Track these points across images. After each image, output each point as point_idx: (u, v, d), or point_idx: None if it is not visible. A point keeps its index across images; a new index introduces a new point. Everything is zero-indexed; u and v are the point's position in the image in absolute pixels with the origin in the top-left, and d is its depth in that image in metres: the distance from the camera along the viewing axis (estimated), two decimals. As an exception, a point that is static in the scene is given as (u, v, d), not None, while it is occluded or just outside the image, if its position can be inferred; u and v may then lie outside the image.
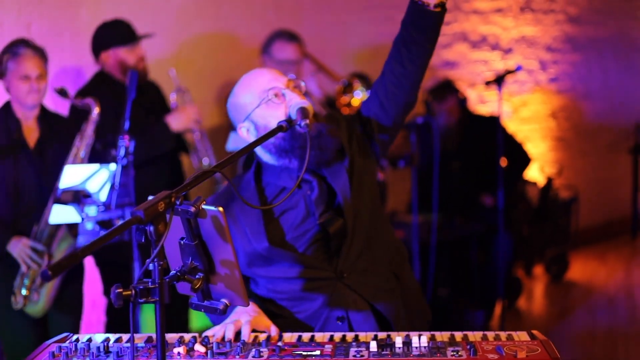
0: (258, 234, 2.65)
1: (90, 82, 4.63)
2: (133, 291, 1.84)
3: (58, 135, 4.08)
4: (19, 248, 3.86)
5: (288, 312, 2.70)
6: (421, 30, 2.60)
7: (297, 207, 2.68)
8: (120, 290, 1.83)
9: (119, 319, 4.53)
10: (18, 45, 3.98)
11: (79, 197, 3.46)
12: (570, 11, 8.59)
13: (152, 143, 4.40)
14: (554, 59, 8.46)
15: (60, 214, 3.52)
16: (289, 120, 2.47)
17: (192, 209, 1.97)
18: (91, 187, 3.48)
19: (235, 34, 5.82)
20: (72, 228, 3.88)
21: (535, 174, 7.92)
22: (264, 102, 2.62)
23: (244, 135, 2.70)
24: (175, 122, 4.55)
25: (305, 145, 2.49)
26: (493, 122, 5.79)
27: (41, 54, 4.02)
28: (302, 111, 2.49)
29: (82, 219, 3.47)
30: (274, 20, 5.80)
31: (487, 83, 5.45)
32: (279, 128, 2.44)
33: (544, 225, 7.29)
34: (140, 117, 4.42)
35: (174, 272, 2.03)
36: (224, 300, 2.15)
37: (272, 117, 2.61)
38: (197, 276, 2.05)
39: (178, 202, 1.92)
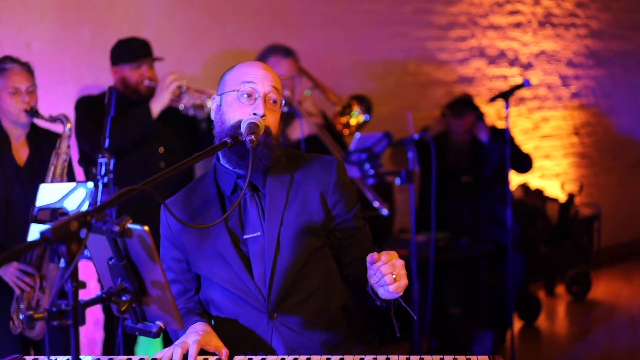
0: (220, 227, 2.60)
1: (100, 95, 4.64)
2: (46, 313, 1.78)
3: (48, 153, 4.05)
4: (10, 272, 3.84)
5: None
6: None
7: (235, 219, 2.63)
8: (32, 312, 1.77)
9: (115, 334, 4.47)
10: (4, 61, 3.98)
11: (56, 216, 3.41)
12: (592, 25, 8.44)
13: (132, 124, 4.39)
14: (575, 74, 8.31)
15: (38, 233, 3.47)
16: (234, 137, 2.40)
17: (117, 228, 1.90)
18: (69, 205, 3.43)
19: (242, 51, 5.78)
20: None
21: (555, 191, 7.77)
22: (234, 92, 2.58)
23: (212, 106, 2.67)
24: (156, 102, 4.51)
25: (244, 156, 2.47)
26: (502, 138, 5.68)
27: (28, 68, 4.01)
28: (250, 126, 2.43)
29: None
30: (281, 37, 5.75)
31: (493, 98, 5.34)
32: (223, 144, 2.37)
33: (565, 244, 7.13)
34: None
35: (100, 293, 1.96)
36: (158, 323, 2.07)
37: (233, 109, 2.58)
38: (124, 298, 1.98)
39: (95, 221, 1.85)
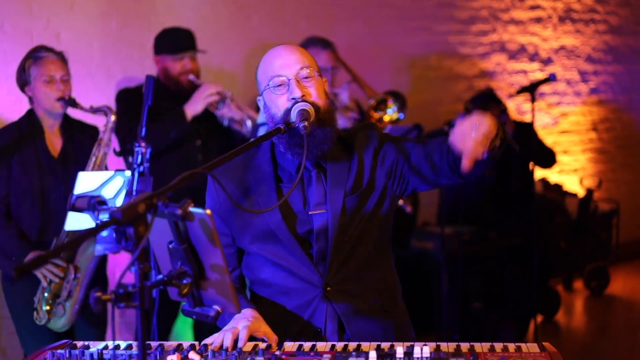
0: (273, 203, 2.60)
1: (139, 87, 4.66)
2: (113, 295, 1.79)
3: (81, 143, 4.07)
4: None
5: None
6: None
7: (297, 196, 2.64)
8: (99, 294, 1.78)
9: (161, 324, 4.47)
10: (39, 50, 3.99)
11: (94, 204, 3.41)
12: (611, 21, 8.43)
13: (164, 129, 4.40)
14: (594, 69, 8.31)
15: (76, 221, 3.48)
16: (287, 123, 2.42)
17: (179, 212, 1.91)
18: (106, 194, 3.44)
19: (267, 43, 5.78)
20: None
21: (574, 186, 7.77)
22: (269, 88, 2.59)
23: (260, 106, 2.69)
24: (190, 107, 4.52)
25: (302, 144, 2.46)
26: (527, 130, 5.67)
27: (62, 57, 4.02)
28: (302, 113, 2.44)
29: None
30: (305, 30, 5.77)
31: (519, 91, 5.34)
32: (277, 130, 2.39)
33: (584, 239, 7.14)
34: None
35: (161, 276, 1.98)
36: (216, 307, 2.09)
37: (274, 103, 2.59)
38: (185, 281, 1.99)
39: (162, 204, 1.87)
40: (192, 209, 1.94)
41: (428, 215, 6.36)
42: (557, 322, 6.60)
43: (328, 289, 2.60)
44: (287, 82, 2.57)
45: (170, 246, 2.03)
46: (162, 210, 1.92)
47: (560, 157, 7.74)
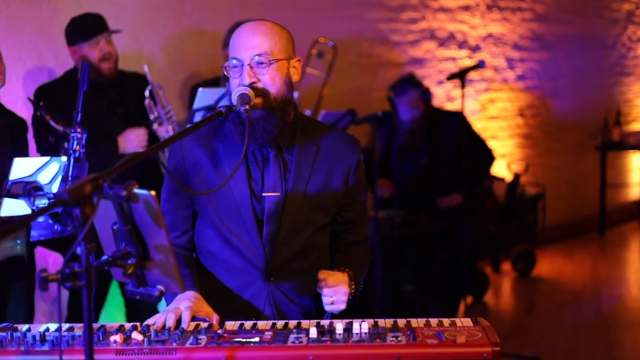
0: (242, 180, 2.65)
1: (61, 77, 4.62)
2: (59, 275, 1.82)
3: (11, 132, 4.02)
4: None
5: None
6: None
7: (257, 177, 2.69)
8: (46, 274, 1.81)
9: (80, 311, 4.48)
10: None
11: (29, 190, 3.41)
12: (537, 9, 8.63)
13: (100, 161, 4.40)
14: (521, 56, 8.50)
15: (11, 208, 3.46)
16: (229, 107, 2.46)
17: (124, 193, 1.94)
18: (42, 180, 3.44)
19: (199, 29, 5.80)
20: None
21: (502, 171, 7.95)
22: (227, 67, 2.63)
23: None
24: (124, 144, 4.52)
25: (239, 128, 2.54)
26: (458, 118, 5.79)
27: None
28: (242, 97, 2.48)
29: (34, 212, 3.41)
30: (238, 16, 5.78)
31: (449, 77, 5.45)
32: (219, 113, 2.42)
33: (511, 222, 7.32)
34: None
35: (106, 257, 2.01)
36: (160, 287, 2.12)
37: (231, 83, 2.64)
38: (129, 262, 2.03)
39: (107, 186, 1.90)
40: (136, 190, 1.97)
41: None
42: (485, 302, 6.77)
43: (272, 277, 2.67)
44: (240, 67, 2.59)
45: (115, 227, 2.06)
46: (106, 192, 1.94)
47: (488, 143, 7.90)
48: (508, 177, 7.64)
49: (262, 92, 2.57)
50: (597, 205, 9.22)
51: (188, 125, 2.81)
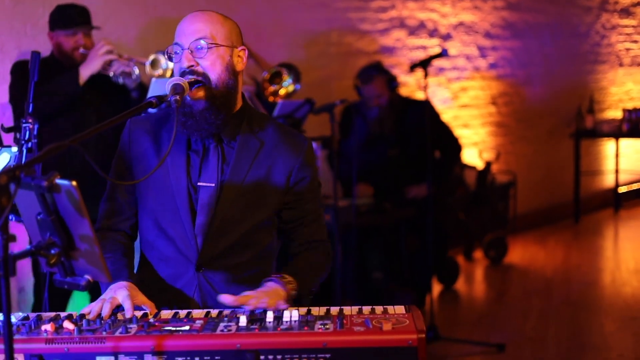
0: (180, 169, 2.67)
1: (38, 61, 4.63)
2: (-23, 265, 1.83)
3: None
4: None
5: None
6: None
7: (195, 166, 2.70)
8: (-37, 264, 1.82)
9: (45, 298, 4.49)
10: None
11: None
12: (509, -3, 8.65)
13: (58, 87, 4.43)
14: (493, 45, 8.52)
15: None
16: (160, 97, 2.47)
17: (45, 183, 1.95)
18: (-8, 170, 3.44)
19: (165, 19, 5.80)
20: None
21: (474, 159, 7.98)
22: (168, 54, 2.66)
23: None
24: (86, 67, 4.53)
25: (181, 119, 2.58)
26: (424, 107, 5.80)
27: None
28: (174, 87, 2.49)
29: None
30: (204, 6, 5.77)
31: (413, 66, 5.46)
32: (148, 104, 2.43)
33: (482, 210, 7.36)
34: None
35: (29, 247, 2.02)
36: (87, 277, 2.14)
37: (173, 69, 2.67)
38: (52, 251, 2.05)
39: (26, 176, 1.91)
40: (58, 180, 1.99)
41: (325, 188, 6.47)
42: (456, 290, 6.81)
43: (202, 268, 2.69)
44: (180, 52, 2.61)
45: (39, 217, 2.07)
46: (28, 182, 1.96)
47: (460, 131, 7.95)
48: (479, 165, 7.68)
49: (202, 76, 2.59)
50: (571, 193, 9.27)
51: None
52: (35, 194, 2.02)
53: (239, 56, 2.70)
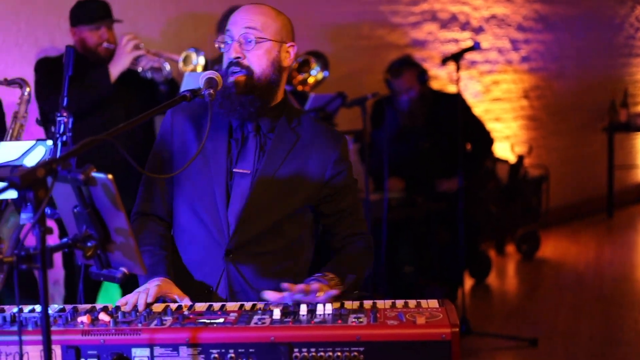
0: (220, 155, 2.71)
1: (58, 57, 4.66)
2: (14, 257, 1.85)
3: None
4: None
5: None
6: None
7: (234, 153, 2.75)
8: (1, 256, 1.84)
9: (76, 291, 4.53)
10: None
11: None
12: (542, -10, 8.59)
13: (90, 86, 4.46)
14: (525, 38, 8.46)
15: (-3, 191, 3.50)
16: (193, 90, 2.48)
17: (81, 177, 1.97)
18: (28, 163, 3.47)
19: (191, 12, 5.82)
20: (18, 206, 3.86)
21: (505, 153, 7.94)
22: (220, 45, 2.73)
23: None
24: (115, 65, 4.55)
25: (220, 100, 2.63)
26: (456, 100, 5.78)
27: None
28: (208, 81, 2.51)
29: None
30: (235, 0, 5.79)
31: (444, 60, 5.44)
32: (183, 97, 2.45)
33: (514, 204, 7.32)
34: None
35: (65, 239, 2.04)
36: (122, 269, 2.16)
37: (223, 60, 2.73)
38: (89, 244, 2.06)
39: (63, 170, 1.93)
40: (94, 174, 2.00)
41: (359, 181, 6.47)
42: (488, 285, 6.78)
43: (231, 255, 2.71)
44: (230, 42, 2.68)
45: (75, 210, 2.09)
46: (65, 175, 1.98)
47: (492, 125, 7.91)
48: (511, 159, 7.64)
49: (246, 69, 2.65)
50: (605, 187, 9.19)
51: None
52: (71, 187, 2.04)
53: (287, 52, 2.75)
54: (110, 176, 2.01)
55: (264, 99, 2.68)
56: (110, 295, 5.14)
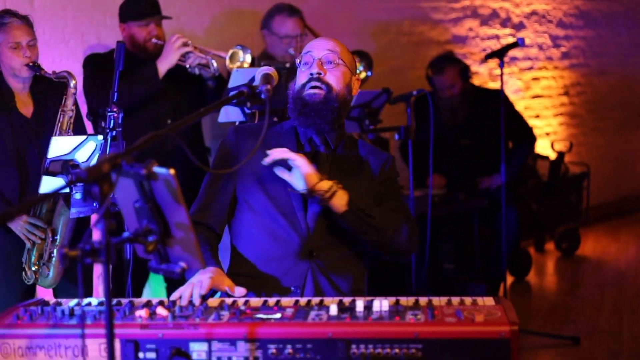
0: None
1: (107, 53, 4.70)
2: (79, 252, 1.87)
3: (53, 102, 4.07)
4: (20, 225, 3.89)
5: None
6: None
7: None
8: (66, 250, 1.86)
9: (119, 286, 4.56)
10: (3, 16, 3.98)
11: (67, 168, 3.49)
12: (583, -14, 8.52)
13: (139, 82, 4.49)
14: (566, 34, 8.39)
15: (50, 185, 3.54)
16: (251, 86, 2.49)
17: (143, 171, 1.99)
18: (79, 158, 3.51)
19: (237, 9, 5.83)
20: (68, 200, 3.89)
21: (546, 149, 7.88)
22: (298, 65, 2.91)
23: None
24: (163, 61, 4.58)
25: (299, 109, 2.81)
26: (498, 97, 5.73)
27: (27, 21, 4.00)
28: (265, 77, 2.52)
29: (71, 190, 3.49)
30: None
31: (487, 56, 5.41)
32: (240, 93, 2.46)
33: (554, 201, 7.27)
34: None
35: (127, 234, 2.06)
36: (181, 264, 2.17)
37: (298, 79, 2.91)
38: (150, 239, 2.08)
39: (126, 164, 1.94)
40: (155, 169, 2.02)
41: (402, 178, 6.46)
42: (528, 282, 6.74)
43: (314, 254, 2.81)
44: (311, 61, 2.84)
45: (136, 205, 2.10)
46: (127, 170, 1.99)
47: (532, 122, 7.85)
48: (552, 155, 7.58)
49: (326, 85, 2.82)
50: (646, 184, 9.12)
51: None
52: (133, 181, 2.06)
53: (355, 82, 2.97)
54: (172, 171, 2.02)
55: (336, 112, 2.84)
56: (155, 289, 5.17)
